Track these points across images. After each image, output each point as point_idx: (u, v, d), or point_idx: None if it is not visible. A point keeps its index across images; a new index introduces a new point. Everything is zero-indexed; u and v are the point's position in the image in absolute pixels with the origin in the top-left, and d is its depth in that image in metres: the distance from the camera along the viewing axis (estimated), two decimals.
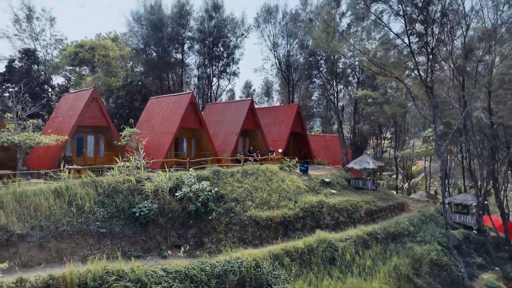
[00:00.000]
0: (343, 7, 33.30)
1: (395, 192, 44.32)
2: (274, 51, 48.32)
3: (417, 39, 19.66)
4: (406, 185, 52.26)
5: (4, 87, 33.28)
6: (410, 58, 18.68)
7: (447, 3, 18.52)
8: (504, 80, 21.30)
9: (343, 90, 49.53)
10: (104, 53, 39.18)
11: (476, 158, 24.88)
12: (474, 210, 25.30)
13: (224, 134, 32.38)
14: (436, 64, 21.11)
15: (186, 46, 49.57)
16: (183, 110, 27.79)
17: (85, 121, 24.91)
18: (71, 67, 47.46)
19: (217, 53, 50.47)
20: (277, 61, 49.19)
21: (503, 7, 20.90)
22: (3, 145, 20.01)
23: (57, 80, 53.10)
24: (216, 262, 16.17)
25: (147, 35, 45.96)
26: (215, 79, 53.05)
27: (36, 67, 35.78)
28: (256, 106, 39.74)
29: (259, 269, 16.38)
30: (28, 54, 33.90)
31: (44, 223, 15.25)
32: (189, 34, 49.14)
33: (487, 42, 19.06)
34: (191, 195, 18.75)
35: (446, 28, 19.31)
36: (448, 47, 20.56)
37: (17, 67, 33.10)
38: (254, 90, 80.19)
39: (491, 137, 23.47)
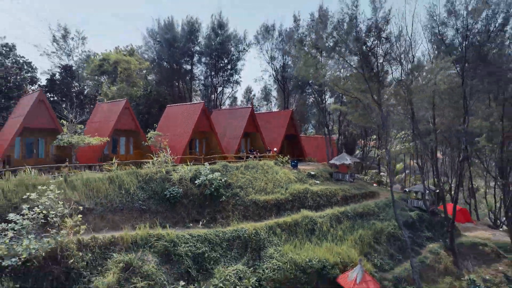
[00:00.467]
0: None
1: (376, 185, 49.27)
2: (271, 63, 53.47)
3: (369, 70, 24.66)
4: (399, 184, 57.32)
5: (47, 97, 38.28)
6: (364, 83, 23.62)
7: (387, 47, 23.84)
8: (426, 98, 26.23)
9: (330, 100, 54.61)
10: (127, 66, 44.14)
11: (420, 157, 29.90)
12: (427, 197, 30.36)
13: (229, 135, 37.43)
14: (384, 88, 26.38)
15: (195, 59, 54.67)
16: (196, 116, 32.84)
17: (119, 126, 29.94)
18: (95, 76, 52.52)
19: (221, 64, 55.55)
20: (274, 72, 54.33)
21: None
22: (62, 145, 25.11)
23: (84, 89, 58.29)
24: (227, 230, 21.25)
25: (161, 50, 51.03)
26: (219, 87, 58.18)
27: (72, 79, 40.84)
28: (256, 110, 44.64)
29: (258, 236, 21.41)
30: (66, 69, 38.86)
31: (103, 201, 20.32)
32: (197, 48, 54.23)
33: (417, 72, 24.05)
34: (207, 183, 23.77)
35: (388, 62, 24.56)
36: (392, 75, 25.89)
37: (57, 80, 38.12)
38: (254, 95, 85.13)
39: (435, 140, 28.35)
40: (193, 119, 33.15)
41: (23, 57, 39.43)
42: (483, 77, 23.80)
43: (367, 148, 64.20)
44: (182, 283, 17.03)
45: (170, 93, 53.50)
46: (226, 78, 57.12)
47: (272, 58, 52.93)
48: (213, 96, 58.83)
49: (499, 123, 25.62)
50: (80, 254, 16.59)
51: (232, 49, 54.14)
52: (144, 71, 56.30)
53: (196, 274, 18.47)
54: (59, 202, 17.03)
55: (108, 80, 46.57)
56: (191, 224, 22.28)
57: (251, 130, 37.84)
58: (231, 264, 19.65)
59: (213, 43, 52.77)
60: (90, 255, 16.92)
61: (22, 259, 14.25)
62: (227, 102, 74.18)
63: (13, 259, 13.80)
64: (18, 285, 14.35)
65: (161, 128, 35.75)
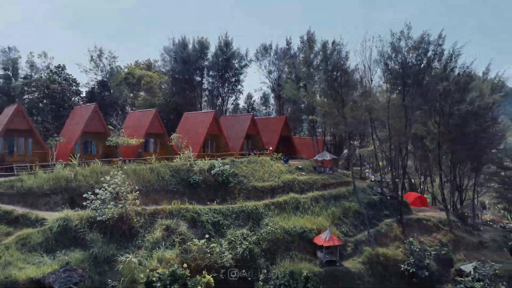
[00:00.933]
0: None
1: (360, 179, 56.34)
2: (269, 77, 60.53)
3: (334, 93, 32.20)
4: (371, 175, 64.24)
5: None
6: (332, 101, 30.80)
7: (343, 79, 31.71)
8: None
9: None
10: (149, 80, 51.02)
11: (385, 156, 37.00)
12: (390, 185, 37.39)
13: (234, 137, 44.42)
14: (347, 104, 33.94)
15: (204, 72, 61.69)
16: (209, 122, 39.83)
17: (150, 130, 36.92)
18: (120, 87, 59.63)
19: (226, 76, 62.53)
20: (271, 84, 61.34)
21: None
22: (109, 145, 32.11)
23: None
24: (235, 206, 28.18)
25: (176, 65, 58.05)
26: (224, 96, 65.13)
27: (107, 92, 47.97)
28: (256, 114, 51.33)
29: (257, 210, 28.30)
30: (102, 84, 45.83)
31: (147, 184, 27.30)
32: (206, 63, 61.25)
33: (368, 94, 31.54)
34: (219, 173, 30.69)
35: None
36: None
37: (96, 93, 45.18)
38: (254, 101, 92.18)
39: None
40: (206, 124, 40.16)
41: (70, 74, 46.45)
42: (417, 96, 30.85)
43: (352, 147, 71.25)
44: (206, 236, 23.96)
45: (183, 102, 60.47)
46: (230, 88, 64.08)
47: (270, 72, 59.99)
48: (218, 102, 65.79)
49: (435, 128, 32.49)
50: (137, 218, 23.62)
51: (236, 64, 61.12)
52: (164, 86, 63.37)
53: (214, 234, 25.44)
54: (125, 183, 24.07)
55: (133, 91, 53.56)
56: (209, 203, 29.20)
57: (252, 132, 44.84)
58: (238, 229, 26.55)
59: (220, 59, 59.65)
60: (143, 219, 23.93)
61: (107, 217, 21.31)
62: (231, 107, 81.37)
63: (103, 216, 20.87)
64: (102, 235, 21.40)
65: (180, 131, 42.62)
